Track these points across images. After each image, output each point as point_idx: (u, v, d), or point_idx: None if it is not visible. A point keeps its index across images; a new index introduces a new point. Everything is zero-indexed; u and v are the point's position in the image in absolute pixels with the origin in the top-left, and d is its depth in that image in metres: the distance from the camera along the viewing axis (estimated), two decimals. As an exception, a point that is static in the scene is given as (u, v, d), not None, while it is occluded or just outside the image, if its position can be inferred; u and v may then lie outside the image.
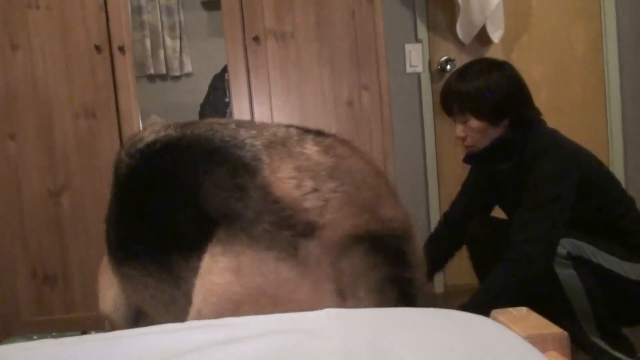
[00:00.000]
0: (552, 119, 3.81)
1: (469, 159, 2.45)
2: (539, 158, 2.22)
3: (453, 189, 3.58)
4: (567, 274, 2.17)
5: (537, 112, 2.37)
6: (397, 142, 3.25)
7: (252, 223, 0.70)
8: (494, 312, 0.81)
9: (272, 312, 0.71)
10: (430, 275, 2.63)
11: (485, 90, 2.25)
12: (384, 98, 3.10)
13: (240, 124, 0.77)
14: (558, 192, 2.18)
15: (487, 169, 2.49)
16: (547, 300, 2.24)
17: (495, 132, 2.30)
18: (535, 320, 0.77)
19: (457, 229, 2.58)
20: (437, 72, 3.77)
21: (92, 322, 2.68)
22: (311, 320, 0.74)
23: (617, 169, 3.88)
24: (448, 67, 3.73)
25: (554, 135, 2.32)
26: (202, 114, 3.70)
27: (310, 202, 0.75)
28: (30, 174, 2.97)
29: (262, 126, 0.77)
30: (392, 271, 0.83)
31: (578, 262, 2.18)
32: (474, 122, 2.30)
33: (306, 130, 0.77)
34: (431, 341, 0.64)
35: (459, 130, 2.36)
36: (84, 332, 2.81)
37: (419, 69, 3.75)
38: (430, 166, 3.76)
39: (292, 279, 0.75)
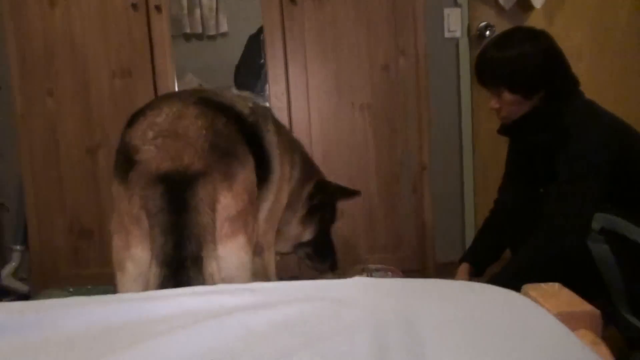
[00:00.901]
0: (592, 87, 3.74)
1: (503, 130, 2.40)
2: (576, 131, 2.17)
3: (488, 158, 3.55)
4: (600, 249, 2.14)
5: (575, 83, 2.31)
6: (431, 108, 3.21)
7: (117, 160, 1.52)
8: (526, 287, 0.81)
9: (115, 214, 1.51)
10: (484, 266, 2.58)
11: (519, 63, 2.20)
12: (421, 63, 3.05)
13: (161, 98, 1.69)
14: (594, 166, 2.14)
15: (522, 141, 2.44)
16: (578, 275, 2.21)
17: (530, 105, 2.25)
18: (567, 297, 0.76)
19: (510, 214, 2.54)
20: (475, 37, 3.68)
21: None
22: (340, 289, 0.75)
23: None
24: (487, 33, 3.64)
25: (592, 107, 2.26)
26: (237, 75, 3.69)
27: (143, 148, 1.47)
28: (67, 130, 3.01)
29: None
30: (174, 218, 1.37)
31: (612, 237, 2.14)
32: (507, 95, 2.25)
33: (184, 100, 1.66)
34: (456, 314, 0.65)
35: (493, 102, 2.31)
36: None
37: (458, 34, 3.66)
38: (466, 134, 3.70)
39: (122, 194, 1.43)
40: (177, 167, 1.43)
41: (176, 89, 3.10)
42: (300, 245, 2.38)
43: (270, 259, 2.00)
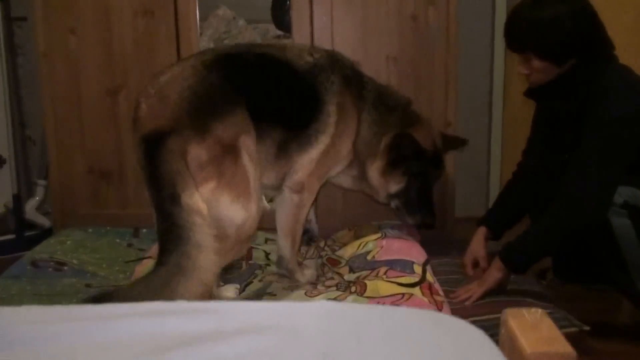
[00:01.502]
0: (636, 41, 3.57)
1: (530, 93, 2.31)
2: (605, 98, 2.07)
3: (519, 117, 3.44)
4: (621, 223, 2.08)
5: (610, 47, 2.18)
6: (462, 63, 3.10)
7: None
8: (506, 313, 0.77)
9: None
10: (502, 230, 2.55)
11: (550, 28, 2.08)
12: (451, 14, 2.92)
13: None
14: (621, 137, 2.05)
15: (550, 106, 2.35)
16: (597, 246, 2.17)
17: (560, 71, 2.15)
18: (547, 330, 0.72)
19: (532, 180, 2.47)
20: (514, -15, 3.51)
21: (144, 219, 2.75)
22: (302, 315, 0.72)
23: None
24: (526, -19, 3.46)
25: (625, 74, 2.15)
26: (275, 10, 3.62)
27: (140, 106, 1.89)
28: (88, 71, 3.00)
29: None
30: (152, 170, 1.72)
31: (635, 211, 2.07)
32: (536, 62, 2.15)
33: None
34: None
35: (521, 67, 2.21)
36: (136, 229, 2.92)
37: (494, -17, 3.50)
38: (497, 91, 3.59)
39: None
40: (154, 128, 1.78)
41: (199, 32, 3.03)
42: (391, 196, 2.44)
43: (307, 201, 2.28)
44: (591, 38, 2.12)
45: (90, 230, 2.92)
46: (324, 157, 2.23)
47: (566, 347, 0.72)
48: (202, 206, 1.70)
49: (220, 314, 0.68)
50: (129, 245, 2.79)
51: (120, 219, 3.01)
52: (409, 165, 2.38)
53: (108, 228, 2.96)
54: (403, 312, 0.68)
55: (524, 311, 0.79)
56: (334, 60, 2.32)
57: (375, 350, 0.58)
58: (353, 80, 2.37)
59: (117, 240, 2.81)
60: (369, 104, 2.38)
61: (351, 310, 0.68)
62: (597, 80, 2.11)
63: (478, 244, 2.49)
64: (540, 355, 0.71)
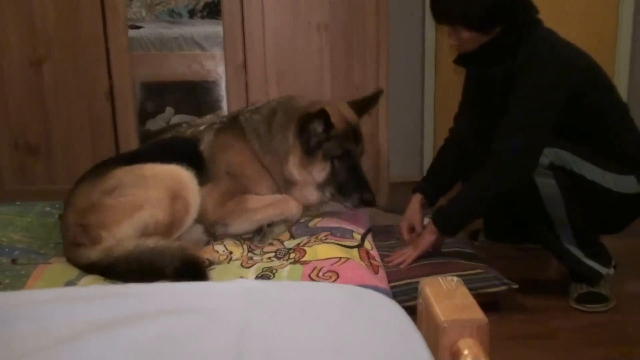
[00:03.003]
0: (561, 6, 3.67)
1: (459, 60, 2.34)
2: (530, 65, 2.12)
3: (450, 80, 3.49)
4: (546, 183, 2.15)
5: (534, 12, 2.24)
6: (394, 30, 3.11)
7: None
8: (423, 282, 0.79)
9: None
10: (437, 196, 2.58)
11: (471, 8, 2.12)
12: (381, -20, 2.92)
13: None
14: (546, 102, 2.11)
15: (479, 72, 2.39)
16: (524, 206, 2.24)
17: (488, 38, 2.19)
18: (461, 298, 0.75)
19: (464, 144, 2.50)
20: (444, -49, 3.53)
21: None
22: (221, 295, 0.73)
23: (623, 63, 3.78)
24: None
25: (549, 39, 2.20)
26: None
27: None
28: (9, 42, 2.88)
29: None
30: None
31: (559, 172, 2.15)
32: (464, 33, 2.19)
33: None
34: (320, 342, 0.63)
35: (451, 39, 2.25)
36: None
37: (424, -53, 3.51)
38: (429, 58, 3.63)
39: None
40: None
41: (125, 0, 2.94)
42: (322, 186, 2.35)
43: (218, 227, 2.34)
44: (514, 6, 2.16)
45: (18, 203, 2.81)
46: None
47: (479, 314, 0.74)
48: None
49: (138, 297, 0.67)
50: (60, 217, 2.70)
51: (50, 194, 2.91)
52: (325, 147, 2.29)
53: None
54: (321, 288, 0.69)
55: (440, 279, 0.81)
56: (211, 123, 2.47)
57: (291, 326, 0.59)
58: (227, 122, 2.45)
59: (47, 209, 2.70)
60: (250, 126, 2.41)
61: (270, 288, 0.68)
62: (523, 46, 2.16)
63: (413, 210, 2.52)
64: (453, 323, 0.73)
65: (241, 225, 2.33)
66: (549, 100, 2.12)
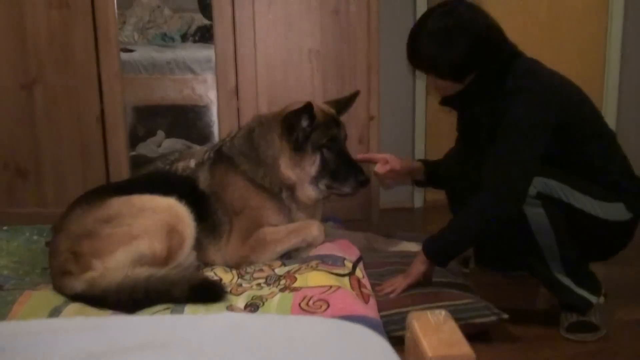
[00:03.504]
0: (551, 32, 3.70)
1: (444, 102, 2.37)
2: (515, 98, 2.12)
3: (441, 109, 3.50)
4: (535, 213, 2.14)
5: (510, 50, 2.25)
6: (386, 54, 3.13)
7: None
8: (411, 316, 0.79)
9: None
10: (435, 177, 2.62)
11: (444, 57, 2.14)
12: (372, 7, 2.95)
13: None
14: (533, 133, 2.11)
15: (465, 110, 2.42)
16: (513, 236, 2.24)
17: (465, 83, 2.21)
18: (449, 332, 0.74)
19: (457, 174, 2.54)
20: (435, -21, 3.57)
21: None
22: (203, 329, 0.72)
23: (612, 88, 3.81)
24: (447, -25, 3.52)
25: (532, 71, 2.21)
26: (202, 1, 3.57)
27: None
28: (0, 64, 2.87)
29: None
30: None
31: (548, 201, 2.15)
32: (438, 81, 2.23)
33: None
34: None
35: (428, 82, 2.30)
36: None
37: (416, -25, 3.55)
38: (420, 87, 3.65)
39: None
40: None
41: (117, 23, 2.96)
42: (316, 178, 2.42)
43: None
44: (485, 53, 2.17)
45: (5, 228, 2.79)
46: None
47: (466, 349, 0.74)
48: None
49: (119, 330, 0.66)
50: (48, 244, 2.69)
51: (39, 217, 2.90)
52: (312, 138, 2.38)
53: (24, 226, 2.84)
54: (305, 322, 0.68)
55: (428, 313, 0.81)
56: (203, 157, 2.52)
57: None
58: (215, 157, 2.50)
59: (35, 237, 2.69)
60: (235, 152, 2.47)
61: (254, 323, 0.67)
62: (504, 82, 2.17)
63: (403, 159, 2.57)
64: (441, 358, 0.72)
65: (267, 259, 2.38)
66: (536, 132, 2.12)
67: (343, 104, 2.59)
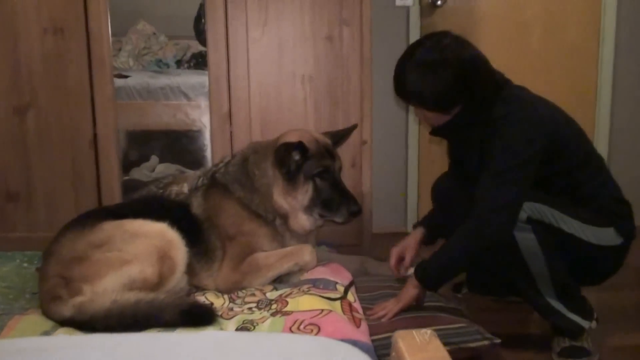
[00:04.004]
0: (542, 62, 3.74)
1: (434, 132, 2.38)
2: (504, 124, 2.14)
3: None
4: (525, 238, 2.15)
5: (498, 78, 2.26)
6: (379, 79, 3.16)
7: None
8: (397, 334, 0.78)
9: None
10: (437, 235, 2.57)
11: (429, 91, 2.16)
12: (365, 35, 2.98)
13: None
14: (522, 159, 2.12)
15: (455, 139, 2.44)
16: (504, 261, 2.23)
17: (452, 114, 2.23)
18: (434, 351, 0.74)
19: (450, 201, 2.54)
20: (427, 6, 3.62)
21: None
22: (189, 348, 0.71)
23: (603, 117, 3.83)
24: (439, 2, 3.57)
25: (520, 97, 2.23)
26: (197, 26, 3.59)
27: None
28: (-7, 88, 2.88)
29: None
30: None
31: (538, 226, 2.15)
32: (425, 112, 2.25)
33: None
34: None
35: (416, 113, 2.35)
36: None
37: (409, 2, 3.58)
38: (413, 111, 3.66)
39: None
40: None
41: (111, 49, 2.98)
42: (309, 208, 2.43)
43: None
44: (470, 85, 2.19)
45: (-5, 252, 2.77)
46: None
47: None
48: None
49: (102, 351, 0.66)
50: (38, 269, 2.67)
51: (29, 242, 2.89)
52: (304, 169, 2.39)
53: (15, 252, 2.82)
54: (291, 340, 0.68)
55: (414, 332, 0.80)
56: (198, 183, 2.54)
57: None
58: (209, 183, 2.52)
59: (25, 265, 2.68)
60: (230, 179, 2.49)
61: (240, 340, 0.67)
62: (492, 111, 2.19)
63: (410, 242, 2.52)
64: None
65: (259, 284, 2.38)
66: (525, 157, 2.13)
67: (340, 136, 2.62)
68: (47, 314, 2.06)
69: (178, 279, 2.24)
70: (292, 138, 2.41)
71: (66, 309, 2.00)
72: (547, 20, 3.75)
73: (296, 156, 2.36)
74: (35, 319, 2.07)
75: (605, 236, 2.22)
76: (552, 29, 3.76)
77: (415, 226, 2.61)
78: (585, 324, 2.22)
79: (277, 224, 2.46)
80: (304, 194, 2.40)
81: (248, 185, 2.45)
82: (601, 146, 3.77)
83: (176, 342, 0.67)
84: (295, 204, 2.41)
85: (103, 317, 1.91)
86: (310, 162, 2.39)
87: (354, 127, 2.68)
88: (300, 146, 2.35)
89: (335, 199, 2.41)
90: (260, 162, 2.46)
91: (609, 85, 3.81)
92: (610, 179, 2.33)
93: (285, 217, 2.45)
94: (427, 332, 0.80)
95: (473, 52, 2.21)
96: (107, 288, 2.04)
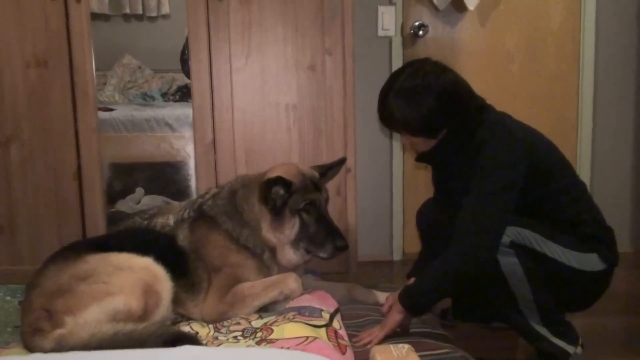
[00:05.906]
0: (524, 89, 3.80)
1: (420, 158, 2.41)
2: (486, 148, 2.17)
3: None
4: (509, 262, 2.15)
5: (479, 105, 2.30)
6: (363, 108, 3.19)
7: None
8: (375, 349, 0.78)
9: None
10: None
11: (413, 117, 2.19)
12: (347, 64, 3.02)
13: None
14: (505, 182, 2.14)
15: (440, 165, 2.46)
16: (488, 286, 2.24)
17: (437, 139, 2.26)
18: (412, 366, 0.74)
19: (434, 228, 2.56)
20: (409, 36, 3.68)
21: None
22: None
23: (585, 144, 3.89)
24: (420, 32, 3.63)
25: (502, 122, 2.26)
26: (183, 59, 3.62)
27: None
28: (-24, 121, 2.89)
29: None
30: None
31: (521, 250, 2.16)
32: (412, 138, 2.28)
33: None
34: None
35: (401, 139, 2.36)
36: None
37: (391, 33, 3.65)
38: (397, 137, 3.69)
39: None
40: None
41: (95, 82, 3.00)
42: (295, 242, 2.41)
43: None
44: (454, 110, 2.22)
45: (-24, 286, 2.74)
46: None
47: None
48: None
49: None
50: (21, 302, 2.64)
51: (13, 275, 2.86)
52: (289, 203, 2.37)
53: (-3, 285, 2.79)
54: (263, 354, 0.68)
55: (392, 347, 0.81)
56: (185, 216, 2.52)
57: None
58: (195, 215, 2.50)
59: (8, 298, 2.65)
60: (218, 211, 2.48)
61: (216, 354, 0.67)
62: (475, 136, 2.22)
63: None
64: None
65: (245, 314, 2.36)
66: (507, 182, 2.14)
67: (327, 169, 2.60)
68: (28, 347, 2.03)
69: (163, 313, 2.22)
70: (278, 173, 2.42)
71: (47, 342, 1.97)
72: (527, 51, 3.82)
73: (280, 191, 2.35)
74: (17, 351, 2.04)
75: (589, 262, 2.22)
76: (532, 59, 3.83)
77: (409, 276, 2.60)
78: (570, 349, 2.22)
79: (265, 257, 2.45)
80: (291, 228, 2.39)
81: (237, 218, 2.44)
82: (583, 172, 3.82)
83: (153, 356, 0.66)
84: (283, 238, 2.40)
85: (81, 350, 1.89)
86: (295, 196, 2.37)
87: (343, 160, 2.65)
88: (281, 181, 2.34)
89: (322, 233, 2.38)
90: (248, 196, 2.45)
91: (589, 113, 3.87)
92: (592, 205, 2.35)
93: (273, 251, 2.44)
94: (404, 347, 0.80)
95: (453, 76, 2.24)
96: (89, 319, 2.01)
